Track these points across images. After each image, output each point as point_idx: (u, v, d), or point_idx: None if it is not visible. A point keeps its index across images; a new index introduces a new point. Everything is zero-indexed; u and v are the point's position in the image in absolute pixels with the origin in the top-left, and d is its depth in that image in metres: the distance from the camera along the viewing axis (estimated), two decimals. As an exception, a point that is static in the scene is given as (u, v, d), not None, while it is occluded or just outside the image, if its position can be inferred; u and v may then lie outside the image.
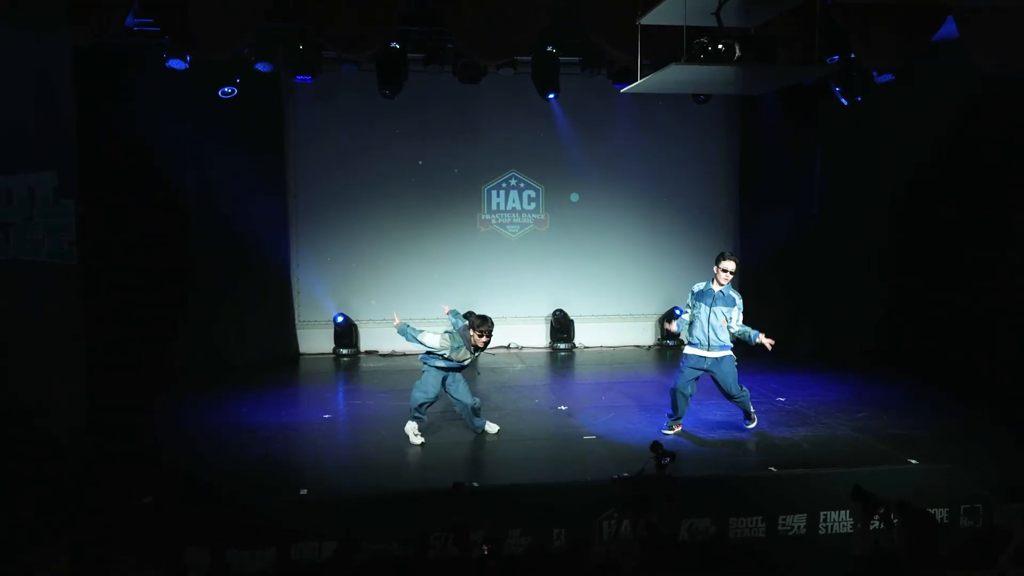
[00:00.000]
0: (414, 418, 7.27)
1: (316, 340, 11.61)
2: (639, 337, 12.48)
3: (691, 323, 7.30)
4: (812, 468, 6.48)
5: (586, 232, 12.24)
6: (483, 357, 11.10)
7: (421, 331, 7.02)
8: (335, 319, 11.63)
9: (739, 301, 7.28)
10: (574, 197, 12.03)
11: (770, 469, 6.44)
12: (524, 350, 11.97)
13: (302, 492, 6.01)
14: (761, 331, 7.18)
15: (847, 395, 8.83)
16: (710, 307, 7.21)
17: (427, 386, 7.18)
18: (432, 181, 11.75)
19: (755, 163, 12.11)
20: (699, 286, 7.35)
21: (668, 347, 12.21)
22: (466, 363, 7.13)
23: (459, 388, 7.24)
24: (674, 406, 7.35)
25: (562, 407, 8.46)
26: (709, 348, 7.22)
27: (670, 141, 12.22)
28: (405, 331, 7.05)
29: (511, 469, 6.58)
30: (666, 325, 7.30)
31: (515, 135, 11.91)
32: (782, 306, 11.50)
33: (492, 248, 12.07)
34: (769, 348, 7.02)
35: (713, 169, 12.49)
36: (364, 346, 11.75)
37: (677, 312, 7.51)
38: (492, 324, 6.92)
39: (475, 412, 7.36)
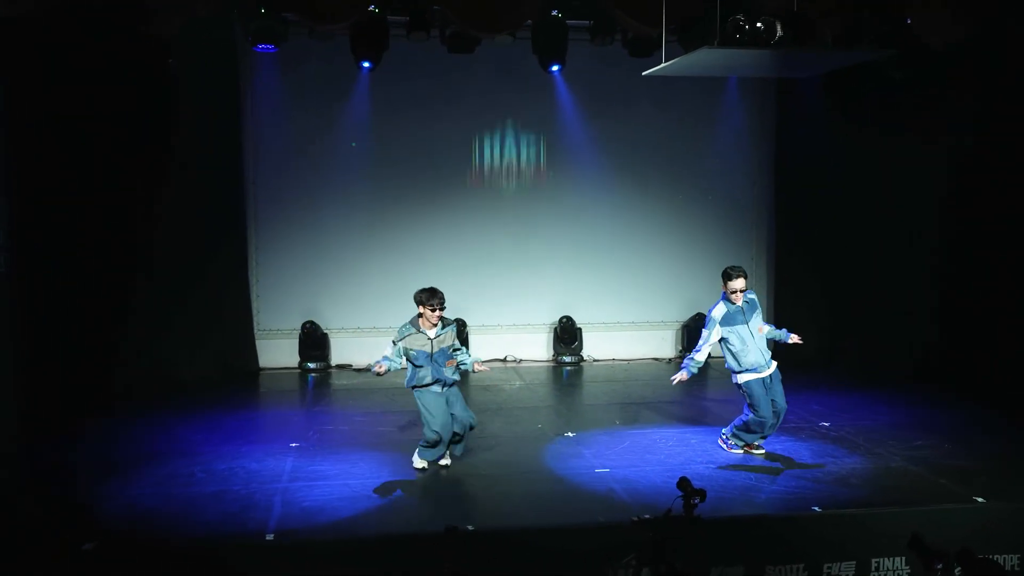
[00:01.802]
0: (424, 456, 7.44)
1: (279, 352, 11.71)
2: (657, 348, 12.58)
3: (736, 351, 7.52)
4: (862, 507, 6.49)
5: (596, 227, 12.31)
6: (476, 374, 11.24)
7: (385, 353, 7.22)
8: (303, 327, 11.66)
9: (757, 300, 7.70)
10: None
11: (813, 508, 6.43)
12: (523, 364, 12.06)
13: (268, 537, 5.98)
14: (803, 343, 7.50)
15: (899, 419, 8.89)
16: (747, 324, 7.49)
17: (429, 412, 7.24)
18: (416, 166, 11.83)
19: (793, 150, 12.18)
20: (719, 311, 7.53)
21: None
22: (431, 352, 7.18)
23: (457, 405, 7.40)
24: (758, 427, 7.58)
25: (569, 433, 8.49)
26: (768, 365, 7.55)
27: (695, 122, 12.33)
28: (388, 363, 7.18)
29: (511, 509, 6.58)
30: (673, 380, 7.38)
31: (513, 113, 11.98)
32: (822, 313, 11.59)
33: (486, 245, 12.13)
34: (799, 342, 7.44)
35: (744, 156, 12.59)
36: (336, 358, 11.86)
37: (685, 361, 7.61)
38: (441, 295, 7.15)
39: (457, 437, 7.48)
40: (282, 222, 11.63)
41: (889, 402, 9.60)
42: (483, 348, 11.78)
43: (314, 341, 11.63)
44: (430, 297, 7.19)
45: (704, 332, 7.64)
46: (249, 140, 11.39)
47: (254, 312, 11.66)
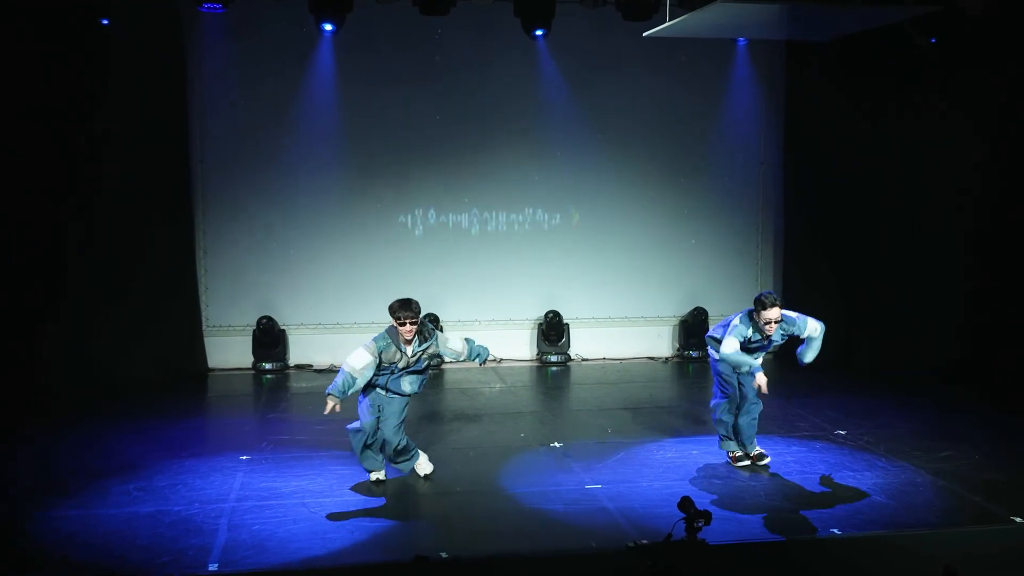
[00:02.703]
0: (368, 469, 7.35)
1: (230, 351, 11.66)
2: (653, 347, 12.55)
3: (725, 375, 7.67)
4: (887, 528, 6.37)
5: (586, 211, 12.27)
6: (452, 372, 11.41)
7: (347, 362, 6.99)
8: (258, 323, 11.56)
9: (795, 328, 7.47)
10: None
11: (832, 532, 6.31)
12: (504, 364, 12.00)
13: (211, 568, 5.82)
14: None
15: (923, 427, 8.84)
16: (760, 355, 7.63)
17: (361, 415, 7.20)
18: (385, 143, 11.77)
19: (804, 126, 12.12)
20: (739, 336, 7.36)
21: (691, 360, 12.27)
22: (404, 368, 7.08)
23: (389, 420, 7.21)
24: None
25: (556, 443, 8.37)
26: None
27: (695, 94, 12.29)
28: (341, 388, 6.94)
29: (490, 533, 6.44)
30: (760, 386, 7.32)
31: (492, 85, 11.88)
32: (836, 307, 11.55)
33: (462, 232, 12.09)
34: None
35: (751, 132, 12.56)
36: (294, 358, 11.83)
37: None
38: (416, 306, 6.98)
39: (396, 454, 7.33)
40: (234, 206, 11.54)
41: (911, 407, 9.57)
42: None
43: (270, 339, 11.55)
44: (400, 308, 6.98)
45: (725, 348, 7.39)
46: (195, 114, 11.30)
47: (202, 307, 11.56)
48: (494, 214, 12.10)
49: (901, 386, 10.32)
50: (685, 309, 12.44)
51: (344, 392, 6.94)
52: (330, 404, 6.97)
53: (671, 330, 12.59)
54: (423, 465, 7.48)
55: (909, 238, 11.04)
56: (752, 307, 7.39)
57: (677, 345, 12.50)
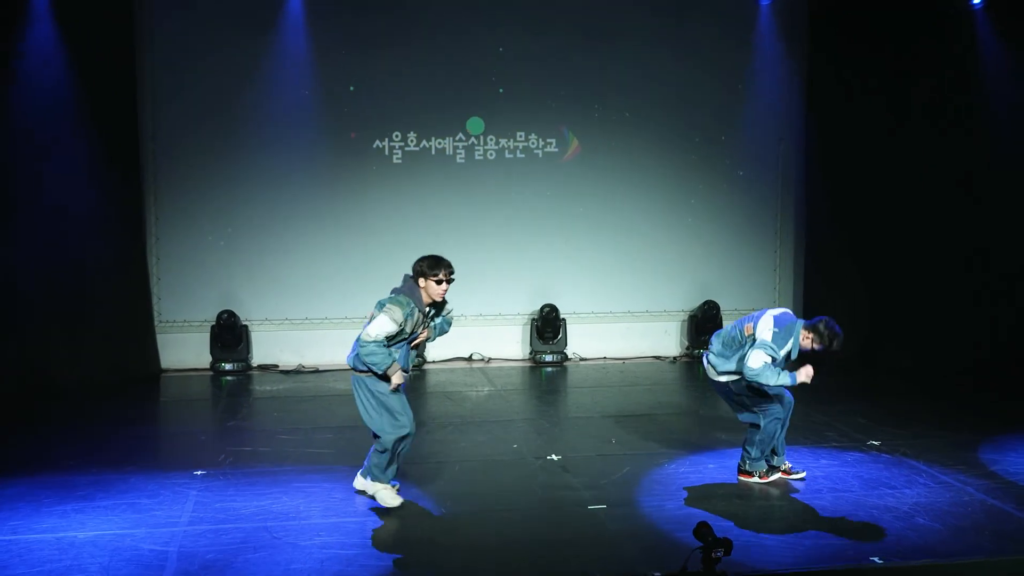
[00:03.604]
0: (378, 474, 6.96)
1: (185, 349, 11.72)
2: (659, 345, 12.60)
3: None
4: (935, 557, 6.16)
5: (585, 195, 12.27)
6: (435, 374, 11.57)
7: (370, 334, 6.62)
8: (218, 318, 11.54)
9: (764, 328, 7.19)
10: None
11: (873, 560, 6.11)
12: (493, 364, 12.12)
13: None
14: None
15: (966, 436, 8.70)
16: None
17: (391, 408, 6.77)
18: (360, 119, 11.85)
19: (830, 98, 12.05)
20: (785, 345, 7.11)
21: (702, 359, 12.05)
22: (418, 339, 6.85)
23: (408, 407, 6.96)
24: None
25: (553, 456, 8.23)
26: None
27: (708, 68, 12.32)
28: (383, 365, 6.63)
29: (480, 561, 6.27)
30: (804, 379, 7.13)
31: (482, 56, 11.93)
32: (862, 304, 11.67)
33: (447, 218, 12.08)
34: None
35: (768, 104, 12.53)
36: (258, 358, 11.90)
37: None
38: (450, 265, 6.80)
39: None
40: (191, 188, 11.55)
41: (948, 414, 9.52)
42: (442, 344, 11.48)
43: (231, 336, 11.55)
44: (435, 265, 6.74)
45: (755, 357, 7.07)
46: (146, 84, 11.32)
47: (154, 299, 11.58)
48: (483, 199, 12.12)
49: (934, 391, 10.37)
50: (694, 303, 12.46)
51: (373, 359, 6.60)
52: (396, 379, 6.66)
53: (679, 326, 12.62)
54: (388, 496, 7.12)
55: (947, 229, 11.01)
56: (806, 321, 7.10)
57: (686, 343, 12.51)
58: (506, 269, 12.13)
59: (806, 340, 7.05)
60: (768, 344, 7.02)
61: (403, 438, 6.87)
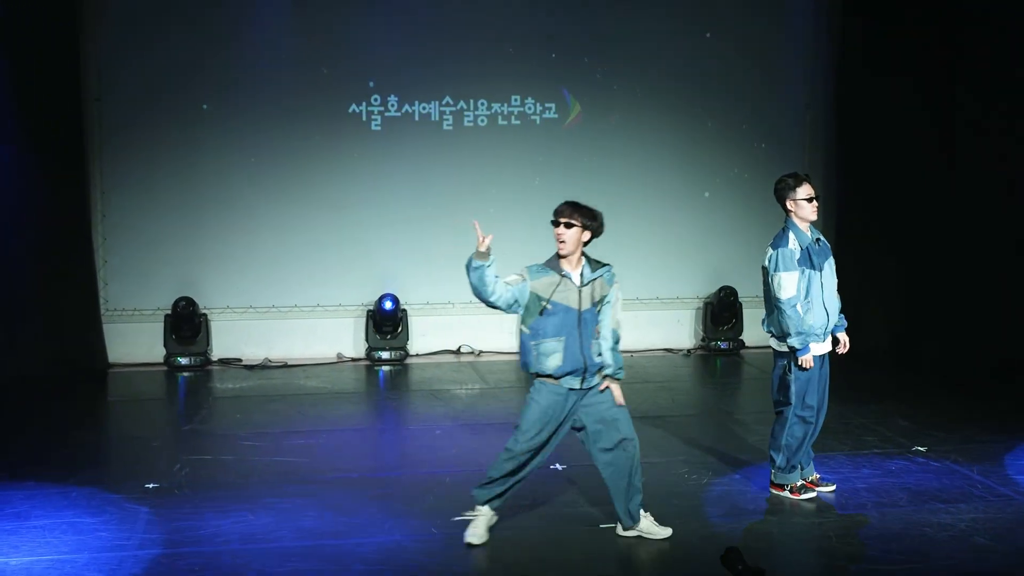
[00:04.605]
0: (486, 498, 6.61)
1: (136, 341, 11.67)
2: (671, 336, 12.65)
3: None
4: None
5: (585, 168, 12.26)
6: (419, 370, 11.59)
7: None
8: (174, 306, 11.45)
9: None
10: None
11: None
12: (484, 357, 12.11)
13: None
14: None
15: (1020, 440, 8.67)
16: (820, 272, 7.17)
17: (529, 417, 6.44)
18: (332, 83, 11.79)
19: (864, 62, 12.02)
20: (792, 246, 7.17)
21: (720, 352, 12.45)
22: (578, 309, 6.37)
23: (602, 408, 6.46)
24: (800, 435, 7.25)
25: (557, 466, 8.12)
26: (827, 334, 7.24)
27: (722, 33, 12.34)
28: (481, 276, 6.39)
29: None
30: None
31: (470, 11, 11.89)
32: (894, 293, 11.78)
33: (431, 194, 12.08)
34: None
35: (793, 67, 12.61)
36: (218, 351, 11.85)
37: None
38: (577, 205, 6.44)
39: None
40: (142, 160, 11.51)
41: (997, 415, 9.47)
42: (428, 336, 12.01)
43: (188, 327, 11.56)
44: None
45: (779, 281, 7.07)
46: (90, 42, 11.22)
47: (100, 285, 11.57)
48: (470, 172, 12.05)
49: (976, 388, 10.40)
50: (710, 288, 12.47)
51: (481, 278, 6.37)
52: (484, 238, 6.41)
53: (693, 315, 12.61)
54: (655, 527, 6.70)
55: (990, 204, 11.02)
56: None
57: (701, 334, 12.47)
58: (499, 253, 11.78)
59: (795, 210, 7.22)
60: (781, 259, 7.03)
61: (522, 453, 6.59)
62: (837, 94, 12.27)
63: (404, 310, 11.69)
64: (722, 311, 12.05)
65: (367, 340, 11.60)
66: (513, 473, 6.52)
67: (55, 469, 7.96)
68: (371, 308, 11.52)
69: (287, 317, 11.64)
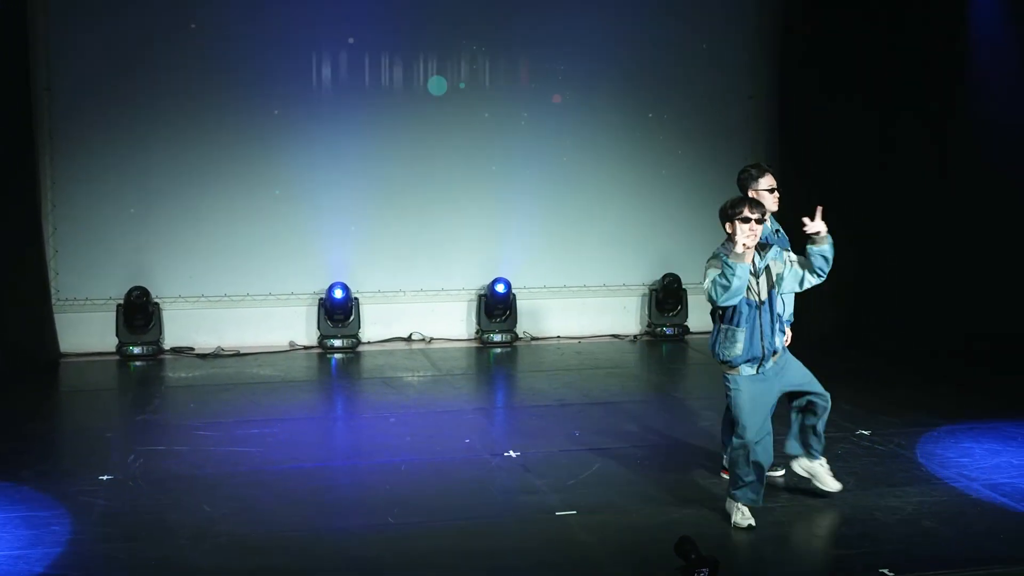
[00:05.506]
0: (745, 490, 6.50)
1: (88, 331, 11.52)
2: (617, 322, 12.65)
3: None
4: (949, 569, 5.98)
5: (536, 157, 12.20)
6: (370, 357, 11.53)
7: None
8: (127, 296, 11.26)
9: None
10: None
11: (883, 572, 5.88)
12: (435, 344, 12.07)
13: None
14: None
15: (964, 423, 8.70)
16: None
17: (740, 406, 6.42)
18: (288, 63, 11.68)
19: (807, 48, 11.97)
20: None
21: (665, 338, 12.45)
22: (758, 297, 6.42)
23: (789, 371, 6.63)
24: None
25: (511, 452, 8.08)
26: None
27: (668, 22, 12.28)
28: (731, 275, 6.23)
29: None
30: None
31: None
32: (838, 272, 11.42)
33: (384, 182, 11.99)
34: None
35: (735, 55, 12.55)
36: (170, 340, 11.75)
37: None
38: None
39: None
40: (94, 144, 11.31)
41: (944, 397, 9.55)
42: (379, 324, 11.97)
43: (140, 316, 11.38)
44: (738, 203, 6.32)
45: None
46: (40, 31, 11.01)
47: (50, 274, 11.37)
48: (423, 160, 11.95)
49: (923, 371, 10.47)
50: (655, 275, 12.45)
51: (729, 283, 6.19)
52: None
53: (638, 301, 12.60)
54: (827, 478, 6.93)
55: (933, 188, 11.08)
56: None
57: (647, 319, 12.47)
58: (451, 242, 12.06)
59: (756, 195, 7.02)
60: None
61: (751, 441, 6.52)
62: (780, 84, 12.26)
63: (356, 298, 11.60)
64: (667, 298, 12.07)
65: (319, 328, 11.47)
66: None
67: (5, 462, 7.77)
68: (323, 296, 11.41)
69: (239, 306, 11.51)
